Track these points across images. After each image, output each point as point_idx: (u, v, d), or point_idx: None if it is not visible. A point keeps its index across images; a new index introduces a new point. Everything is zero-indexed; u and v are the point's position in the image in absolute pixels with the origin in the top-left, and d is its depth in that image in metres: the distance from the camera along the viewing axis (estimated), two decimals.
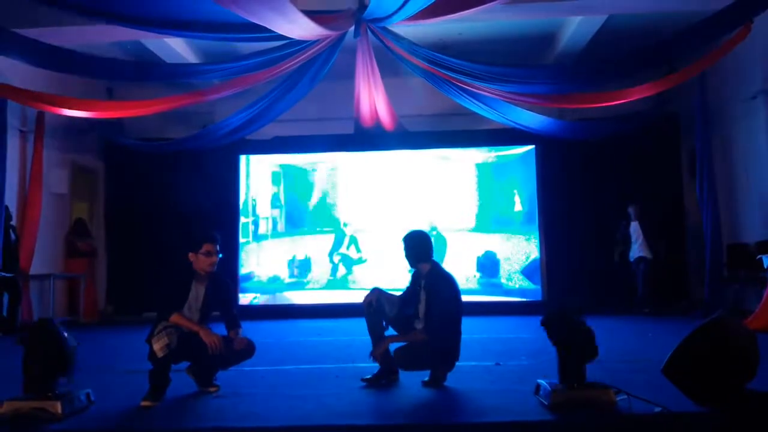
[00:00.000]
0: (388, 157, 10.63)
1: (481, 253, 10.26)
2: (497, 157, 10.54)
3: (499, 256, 10.29)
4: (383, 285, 4.45)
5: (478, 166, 10.49)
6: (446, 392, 4.02)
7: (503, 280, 10.23)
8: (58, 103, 8.02)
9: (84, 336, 3.71)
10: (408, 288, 4.44)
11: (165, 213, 10.15)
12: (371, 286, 4.47)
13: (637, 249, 9.17)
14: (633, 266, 9.24)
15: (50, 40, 7.13)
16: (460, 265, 10.00)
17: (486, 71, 7.67)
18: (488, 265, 10.26)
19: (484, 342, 6.40)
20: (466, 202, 10.43)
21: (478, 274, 10.24)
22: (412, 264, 4.40)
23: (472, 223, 10.36)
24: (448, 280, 4.31)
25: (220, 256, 4.21)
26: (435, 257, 4.43)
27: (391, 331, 4.37)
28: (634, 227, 9.22)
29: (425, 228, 9.05)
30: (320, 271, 10.47)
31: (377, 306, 4.34)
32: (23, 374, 3.49)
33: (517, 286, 10.19)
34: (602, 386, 3.40)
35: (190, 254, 4.12)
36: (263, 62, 7.61)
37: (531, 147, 10.34)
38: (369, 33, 7.28)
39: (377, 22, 7.00)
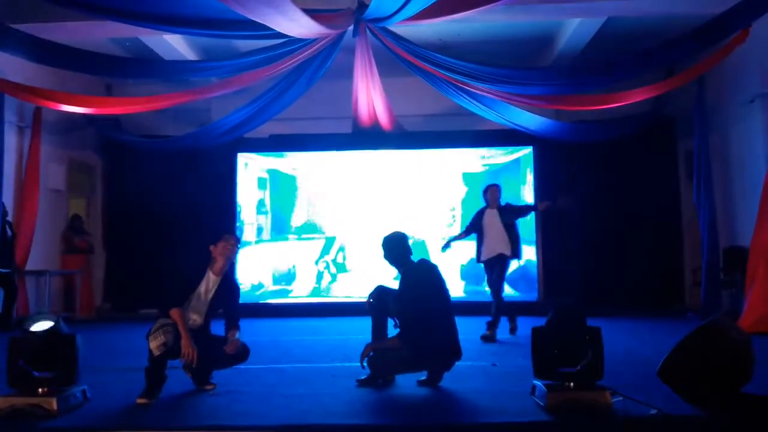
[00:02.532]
0: (374, 164, 10.44)
1: (465, 260, 9.98)
2: (484, 165, 10.42)
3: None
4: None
5: (465, 175, 10.33)
6: (442, 392, 4.03)
7: (486, 288, 10.09)
8: (55, 98, 8.01)
9: (80, 333, 3.70)
10: None
11: (162, 210, 10.11)
12: (357, 295, 4.47)
13: (493, 245, 6.80)
14: (487, 268, 6.99)
15: (48, 35, 7.11)
16: (444, 273, 9.81)
17: (484, 72, 7.68)
18: (472, 272, 10.01)
19: (480, 342, 6.41)
20: (453, 208, 10.27)
21: (463, 282, 10.06)
22: (395, 267, 4.41)
23: (457, 230, 10.23)
24: (413, 283, 4.28)
25: (240, 243, 4.36)
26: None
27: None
28: (491, 216, 6.89)
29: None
30: (305, 278, 10.28)
31: (380, 303, 4.34)
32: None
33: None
34: (598, 388, 3.41)
35: (211, 246, 4.23)
36: (262, 60, 7.61)
37: (518, 155, 10.26)
38: (368, 32, 7.29)
39: (376, 22, 7.00)
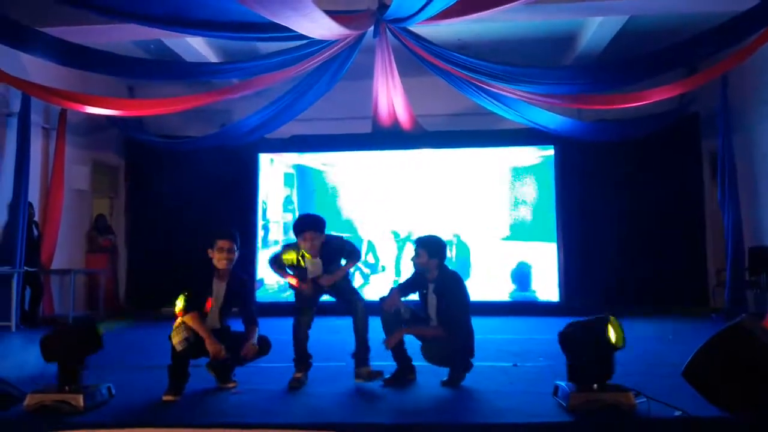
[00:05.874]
0: (407, 159, 10.33)
1: (514, 264, 9.79)
2: (540, 157, 10.10)
3: (533, 267, 9.80)
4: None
5: (514, 169, 10.05)
6: (464, 392, 4.03)
7: (537, 294, 9.77)
8: (80, 100, 8.11)
9: (104, 331, 3.76)
10: (410, 279, 4.51)
11: (184, 209, 10.20)
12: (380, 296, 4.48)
13: None
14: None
15: (73, 38, 7.21)
16: (491, 278, 9.51)
17: (505, 71, 7.64)
18: (521, 277, 9.78)
19: (501, 343, 6.38)
20: (498, 207, 9.96)
21: (514, 286, 9.77)
22: (432, 267, 4.38)
23: (506, 232, 9.91)
24: (458, 280, 4.39)
25: (237, 252, 4.22)
26: (459, 268, 4.50)
27: None
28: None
29: (449, 237, 8.96)
30: None
31: (396, 310, 4.38)
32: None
33: (552, 299, 9.70)
34: (621, 389, 3.38)
35: (209, 250, 4.17)
36: (283, 62, 7.64)
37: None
38: (388, 33, 7.29)
39: (397, 22, 7.00)
